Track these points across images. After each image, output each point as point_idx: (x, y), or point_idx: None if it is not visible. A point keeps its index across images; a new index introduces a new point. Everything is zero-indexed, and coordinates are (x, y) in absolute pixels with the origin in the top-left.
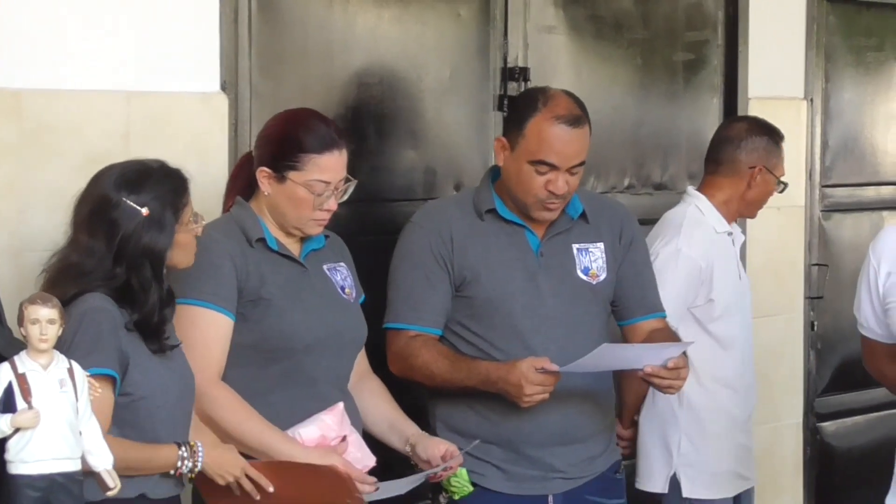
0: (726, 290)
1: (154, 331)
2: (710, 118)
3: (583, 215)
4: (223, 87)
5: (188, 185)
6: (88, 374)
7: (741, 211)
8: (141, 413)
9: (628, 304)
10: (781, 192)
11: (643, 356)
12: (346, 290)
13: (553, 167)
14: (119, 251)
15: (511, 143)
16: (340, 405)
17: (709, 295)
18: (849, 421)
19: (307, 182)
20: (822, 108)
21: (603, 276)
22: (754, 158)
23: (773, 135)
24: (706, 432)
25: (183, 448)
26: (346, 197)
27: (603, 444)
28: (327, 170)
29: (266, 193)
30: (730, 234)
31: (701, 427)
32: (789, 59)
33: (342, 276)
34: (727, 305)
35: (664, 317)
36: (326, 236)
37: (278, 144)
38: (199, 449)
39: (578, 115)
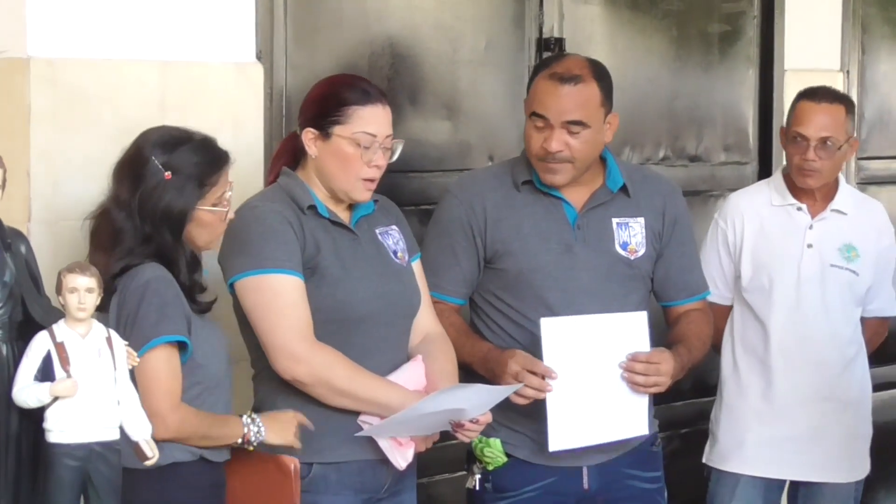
0: (760, 264)
1: (188, 293)
2: (745, 90)
3: (623, 189)
4: (258, 57)
5: (224, 165)
6: (127, 343)
7: None
8: (200, 379)
9: (670, 285)
10: (797, 149)
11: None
12: (399, 255)
13: (544, 120)
14: (140, 207)
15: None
16: (419, 357)
17: (739, 266)
18: (885, 394)
19: (353, 135)
20: (859, 81)
21: (642, 252)
22: None
23: (798, 97)
24: (722, 399)
25: (245, 416)
26: (395, 157)
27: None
28: (371, 122)
29: (313, 156)
30: (799, 208)
31: (721, 392)
32: (826, 30)
33: (394, 239)
34: (758, 279)
35: (706, 297)
36: (375, 200)
37: (321, 102)
38: (256, 417)
39: (575, 74)
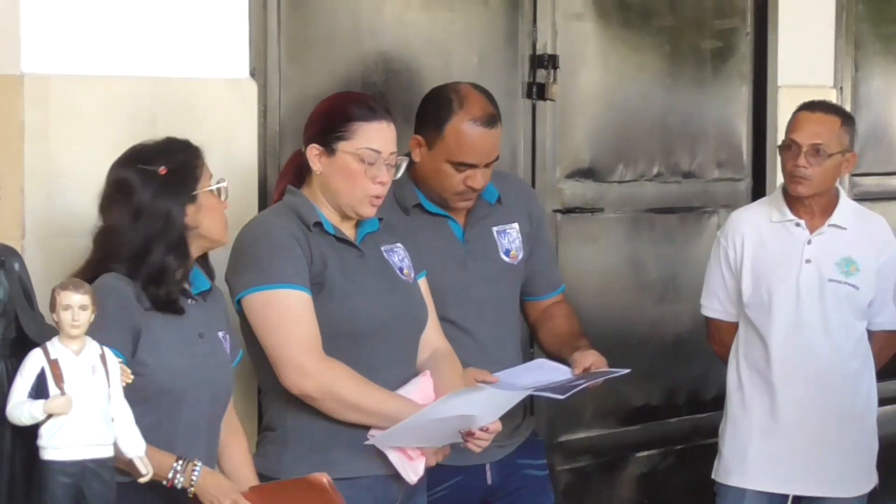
0: (760, 280)
1: (168, 297)
2: (738, 106)
3: (498, 199)
4: (252, 74)
5: (201, 153)
6: (120, 360)
7: None
8: (153, 394)
9: (536, 281)
10: (790, 155)
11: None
12: (405, 272)
13: (472, 166)
14: (138, 215)
15: (428, 141)
16: (428, 372)
17: (740, 282)
18: (889, 409)
19: (357, 150)
20: (852, 97)
21: (521, 256)
22: None
23: (797, 109)
24: (727, 414)
25: (179, 462)
26: (399, 174)
27: (521, 413)
28: (376, 138)
29: (318, 172)
30: (797, 224)
31: (726, 408)
32: (818, 47)
33: (399, 256)
34: (758, 295)
35: (563, 291)
36: (380, 218)
37: (326, 118)
38: (197, 468)
39: (493, 114)
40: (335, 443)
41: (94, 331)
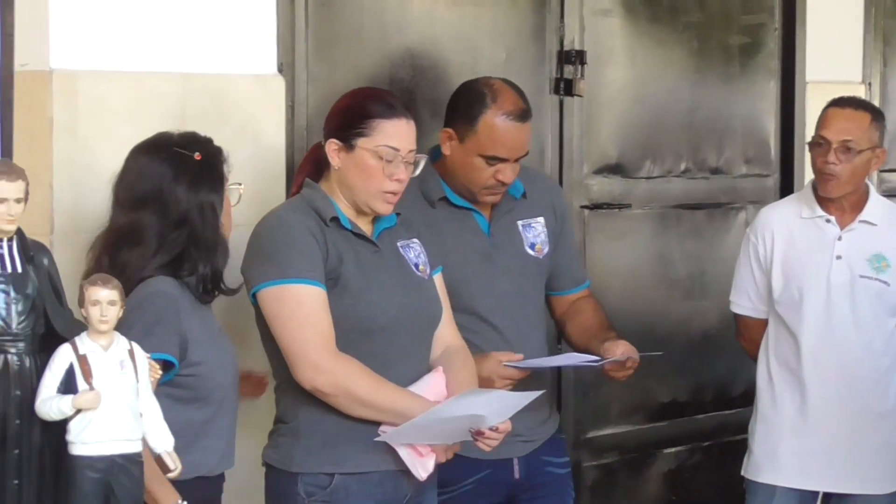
0: (790, 276)
1: (214, 280)
2: (766, 102)
3: (523, 194)
4: (280, 70)
5: (223, 151)
6: (149, 356)
7: None
8: (206, 392)
9: (561, 276)
10: (819, 152)
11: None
12: (420, 268)
13: (503, 160)
14: (175, 197)
15: (459, 135)
16: (440, 369)
17: (770, 279)
18: None
19: (376, 147)
20: (880, 93)
21: (546, 250)
22: None
23: (826, 105)
24: (758, 411)
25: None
26: (418, 171)
27: (547, 408)
28: (395, 136)
29: (336, 167)
30: (827, 220)
31: (756, 405)
32: (847, 42)
33: (415, 252)
34: (788, 292)
35: (588, 286)
36: (398, 214)
37: (346, 114)
38: None
39: (525, 109)
40: (346, 438)
41: (145, 335)
